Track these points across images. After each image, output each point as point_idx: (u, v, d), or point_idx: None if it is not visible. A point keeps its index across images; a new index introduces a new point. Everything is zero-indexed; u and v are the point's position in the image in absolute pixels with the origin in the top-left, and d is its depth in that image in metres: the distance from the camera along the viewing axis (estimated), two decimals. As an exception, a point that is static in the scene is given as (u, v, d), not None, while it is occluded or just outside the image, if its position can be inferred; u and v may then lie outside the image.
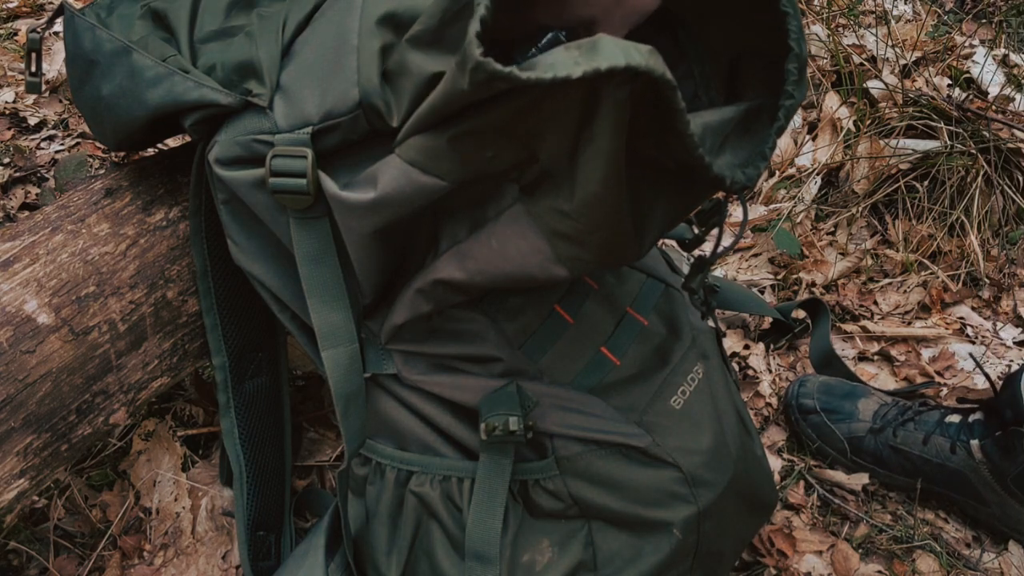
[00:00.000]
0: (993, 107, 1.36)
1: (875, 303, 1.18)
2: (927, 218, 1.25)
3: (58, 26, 0.67)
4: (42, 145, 1.16)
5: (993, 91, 1.41)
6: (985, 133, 1.25)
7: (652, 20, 0.57)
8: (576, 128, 0.45)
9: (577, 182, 0.46)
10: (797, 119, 1.38)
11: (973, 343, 1.12)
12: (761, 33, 0.50)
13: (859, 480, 0.93)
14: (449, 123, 0.47)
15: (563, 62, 0.39)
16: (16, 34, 1.35)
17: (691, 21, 0.56)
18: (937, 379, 1.06)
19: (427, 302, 0.57)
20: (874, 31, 1.49)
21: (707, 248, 1.18)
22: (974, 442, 0.86)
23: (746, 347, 1.07)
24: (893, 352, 1.10)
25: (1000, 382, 0.87)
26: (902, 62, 1.44)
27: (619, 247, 0.52)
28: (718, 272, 1.18)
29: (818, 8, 1.56)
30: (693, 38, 0.56)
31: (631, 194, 0.48)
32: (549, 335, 0.63)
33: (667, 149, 0.45)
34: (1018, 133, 1.27)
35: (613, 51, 0.39)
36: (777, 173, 1.33)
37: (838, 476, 0.93)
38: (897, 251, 1.24)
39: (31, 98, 1.21)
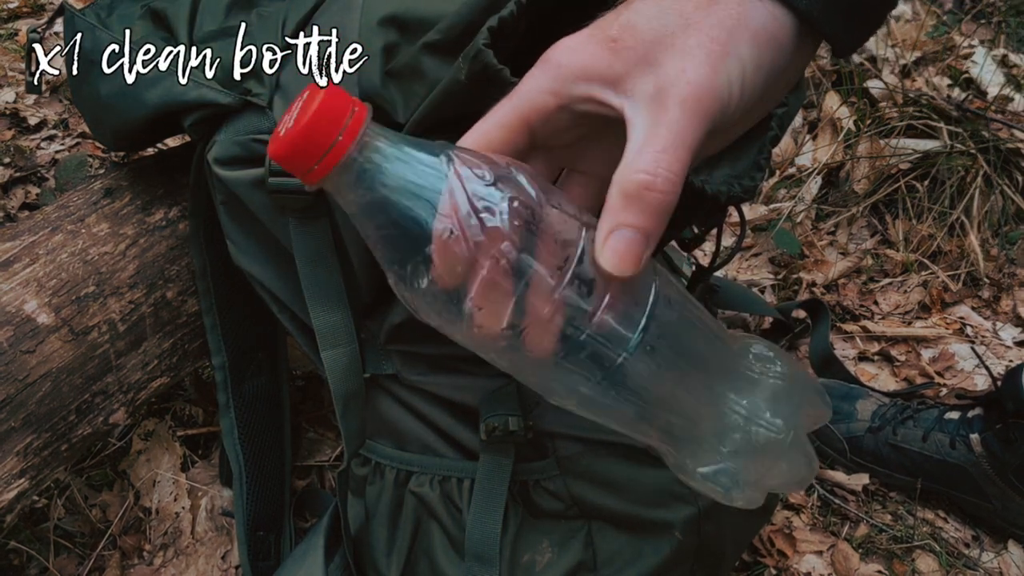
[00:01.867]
0: (993, 107, 1.36)
1: (875, 303, 1.18)
2: (927, 218, 1.25)
3: (58, 26, 0.67)
4: (42, 145, 1.16)
5: (993, 91, 1.41)
6: (985, 133, 1.25)
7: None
8: None
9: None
10: (798, 119, 1.38)
11: (973, 343, 1.12)
12: None
13: (859, 480, 0.93)
14: (454, 124, 0.47)
15: None
16: (16, 34, 1.35)
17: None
18: (937, 379, 1.06)
19: (427, 302, 0.57)
20: (874, 31, 1.48)
21: (706, 247, 1.18)
22: (974, 436, 0.86)
23: (746, 347, 1.07)
24: (893, 352, 1.10)
25: (1000, 378, 0.87)
26: (902, 62, 1.44)
27: None
28: (718, 271, 1.18)
29: (818, 8, 1.56)
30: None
31: None
32: (549, 335, 0.63)
33: None
34: (1018, 133, 1.27)
35: None
36: (777, 173, 1.33)
37: (838, 476, 0.93)
38: (897, 251, 1.24)
39: (31, 98, 1.21)
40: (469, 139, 0.36)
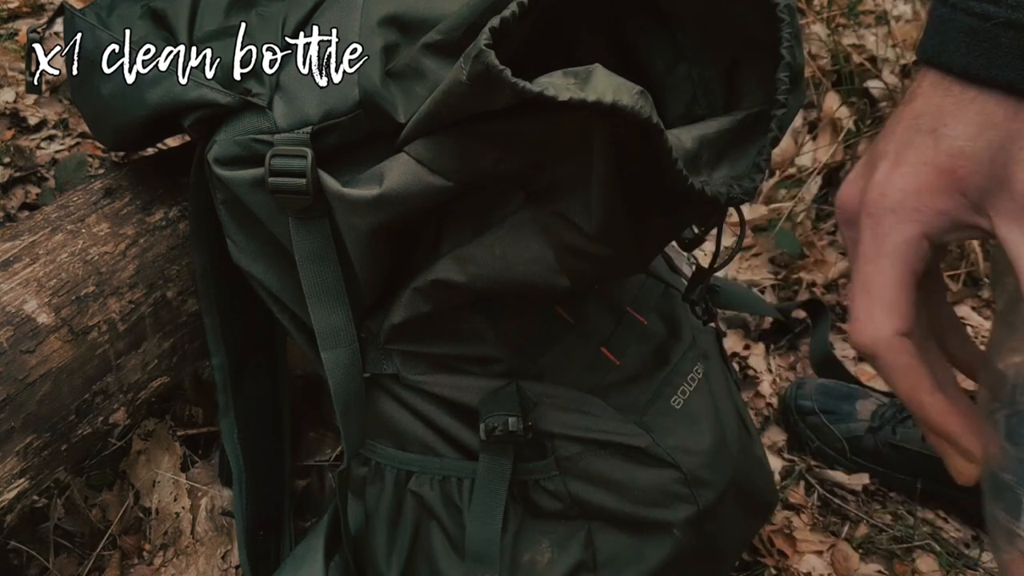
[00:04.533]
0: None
1: (875, 303, 1.18)
2: (927, 218, 1.24)
3: (58, 26, 0.67)
4: (42, 145, 1.16)
5: (993, 91, 1.40)
6: (985, 133, 1.25)
7: (650, 19, 0.57)
8: (579, 152, 0.46)
9: (591, 205, 0.47)
10: (798, 119, 1.38)
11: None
12: (757, 37, 0.50)
13: (859, 480, 0.93)
14: (456, 124, 0.47)
15: (556, 84, 0.41)
16: (16, 34, 1.35)
17: (690, 22, 0.56)
18: (937, 379, 1.06)
19: (426, 302, 0.57)
20: (874, 31, 1.49)
21: (706, 247, 1.18)
22: None
23: (746, 347, 1.07)
24: (893, 352, 1.10)
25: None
26: (902, 62, 1.44)
27: (623, 263, 0.52)
28: (718, 272, 1.18)
29: (818, 8, 1.56)
30: (692, 39, 0.56)
31: (633, 212, 0.48)
32: (549, 335, 0.63)
33: (661, 175, 0.46)
34: (1018, 133, 1.27)
35: (604, 86, 0.41)
36: (777, 173, 1.33)
37: (838, 476, 0.93)
38: (897, 251, 1.24)
39: (31, 98, 1.21)
40: (879, 312, 0.37)
